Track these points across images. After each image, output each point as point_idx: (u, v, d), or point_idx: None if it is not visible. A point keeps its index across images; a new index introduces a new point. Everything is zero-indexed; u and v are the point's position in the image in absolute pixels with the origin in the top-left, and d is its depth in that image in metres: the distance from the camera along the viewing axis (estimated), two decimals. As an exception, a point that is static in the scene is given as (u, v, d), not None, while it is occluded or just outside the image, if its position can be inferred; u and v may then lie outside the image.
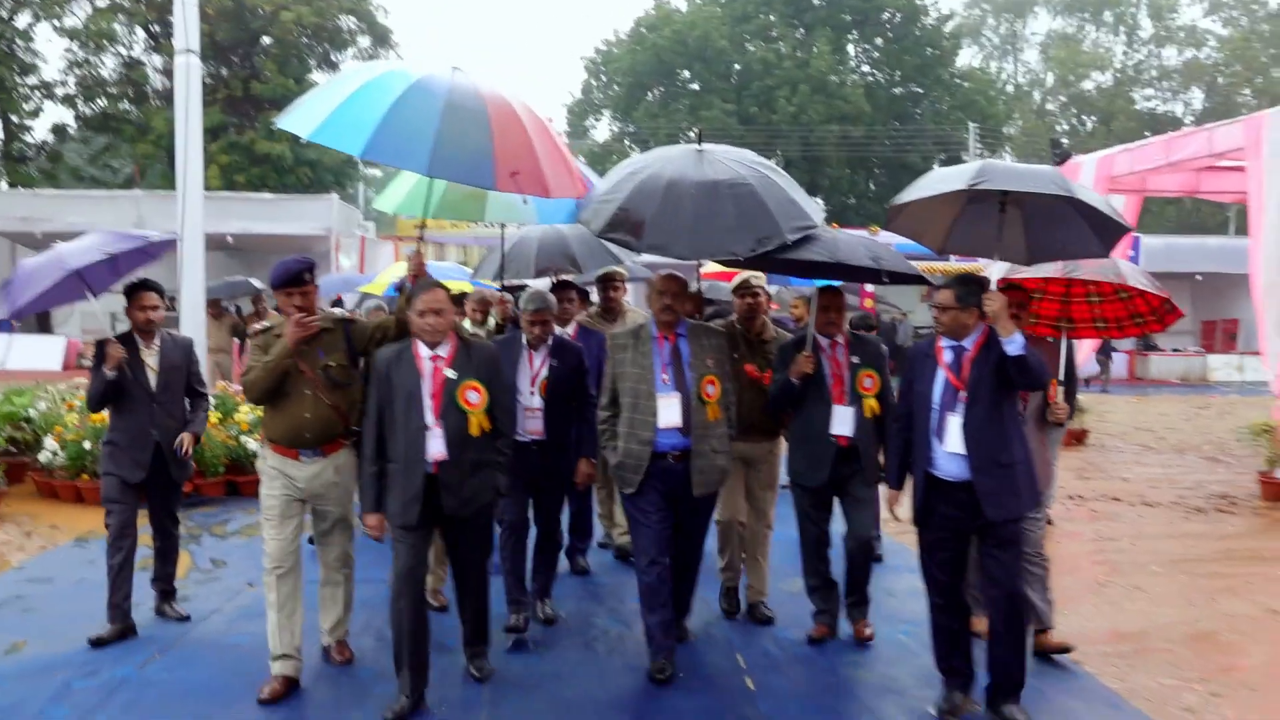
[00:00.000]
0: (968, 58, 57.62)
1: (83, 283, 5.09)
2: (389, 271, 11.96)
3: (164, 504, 5.37)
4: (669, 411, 4.61)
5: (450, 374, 4.21)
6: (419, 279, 4.50)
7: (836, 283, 5.27)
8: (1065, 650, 4.97)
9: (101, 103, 33.83)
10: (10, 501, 8.26)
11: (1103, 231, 4.37)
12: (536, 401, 5.12)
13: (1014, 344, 3.96)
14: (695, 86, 45.52)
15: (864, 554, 5.15)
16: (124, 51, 34.14)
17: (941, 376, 4.18)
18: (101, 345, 5.08)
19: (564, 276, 6.82)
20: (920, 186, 4.33)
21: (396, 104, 4.21)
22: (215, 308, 12.35)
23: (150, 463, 5.14)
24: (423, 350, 4.24)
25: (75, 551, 6.87)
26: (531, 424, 5.12)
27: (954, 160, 42.72)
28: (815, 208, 4.85)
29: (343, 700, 4.42)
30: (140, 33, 34.09)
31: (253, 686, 4.37)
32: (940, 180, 4.28)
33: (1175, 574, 6.77)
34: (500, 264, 6.64)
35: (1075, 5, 57.71)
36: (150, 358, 5.20)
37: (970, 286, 4.16)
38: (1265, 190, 9.69)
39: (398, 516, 4.19)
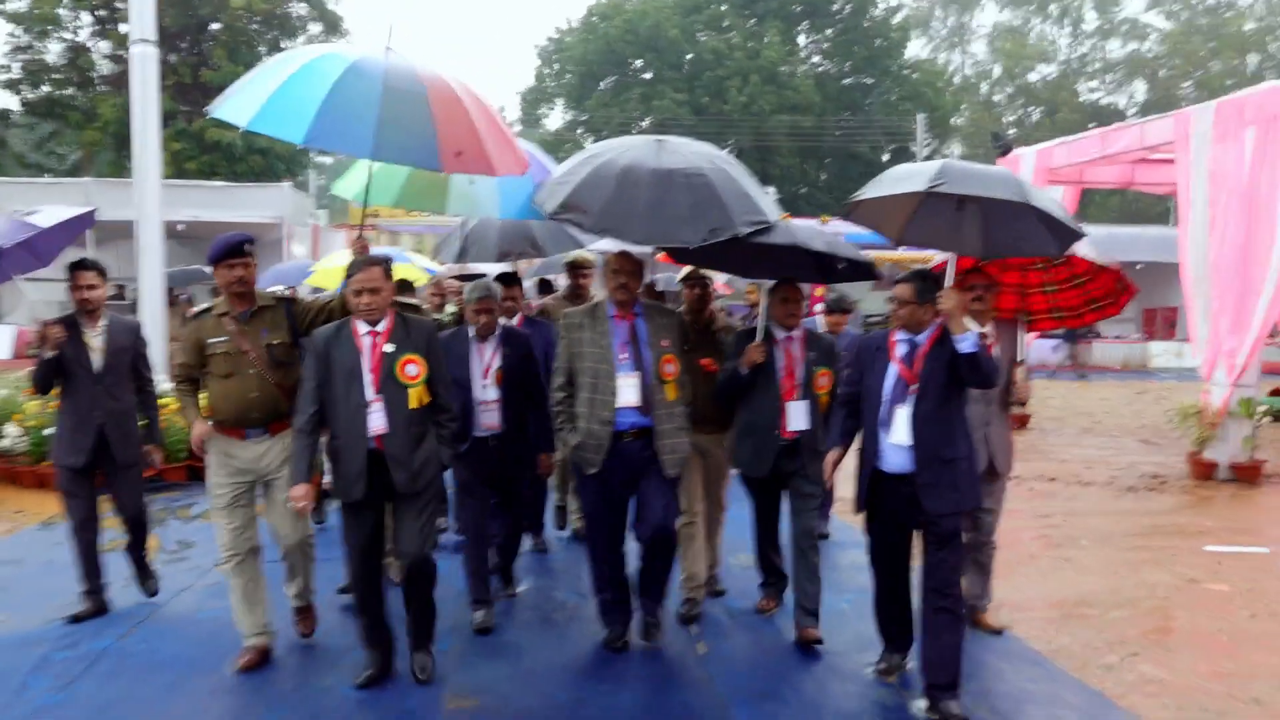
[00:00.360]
0: (916, 49, 58.35)
1: None
2: (336, 260, 11.72)
3: (124, 489, 5.32)
4: (628, 390, 4.63)
5: (388, 348, 4.21)
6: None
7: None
8: (999, 632, 5.17)
9: (46, 88, 33.25)
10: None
11: (1059, 232, 4.41)
12: (492, 393, 5.09)
13: (966, 341, 4.01)
14: (648, 76, 45.68)
15: (810, 549, 5.04)
16: (69, 36, 33.57)
17: (893, 370, 4.23)
18: (44, 326, 5.05)
19: (524, 261, 6.84)
20: (881, 184, 4.39)
21: (335, 88, 4.16)
22: (170, 295, 12.29)
23: (92, 446, 5.11)
24: (361, 327, 4.23)
25: (41, 535, 6.99)
26: (487, 418, 5.09)
27: (902, 150, 43.34)
28: (771, 204, 4.86)
29: (314, 668, 4.63)
30: (86, 17, 33.57)
31: (227, 656, 4.58)
32: (900, 179, 4.33)
33: (1103, 548, 7.15)
34: (460, 247, 6.63)
35: (1022, -2, 58.57)
36: (94, 339, 5.15)
37: (928, 283, 4.22)
38: (1191, 183, 10.13)
39: (344, 494, 4.21)
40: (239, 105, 4.26)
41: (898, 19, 48.46)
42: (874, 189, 4.38)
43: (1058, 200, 4.53)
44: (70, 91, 33.32)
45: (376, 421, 4.16)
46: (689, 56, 44.80)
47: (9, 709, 4.09)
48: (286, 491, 4.44)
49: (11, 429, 8.75)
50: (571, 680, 4.61)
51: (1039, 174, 12.91)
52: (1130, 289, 5.15)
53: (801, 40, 47.59)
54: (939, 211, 4.59)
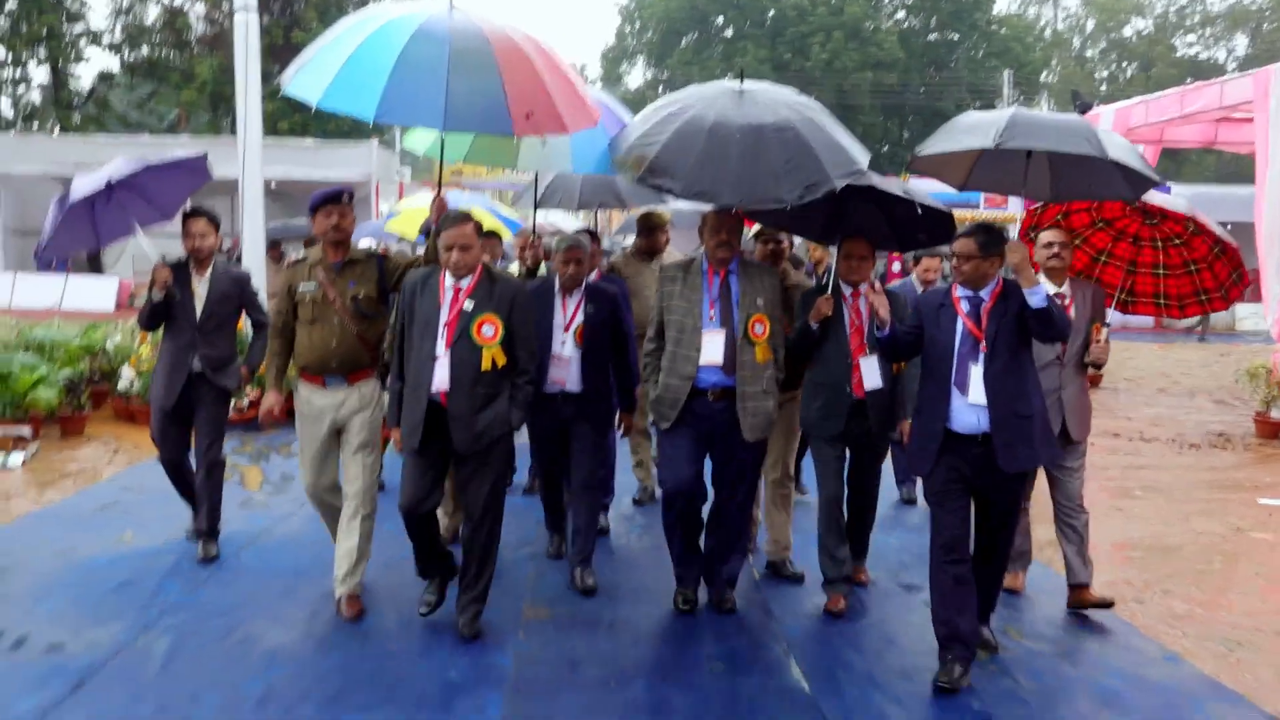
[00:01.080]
0: (1005, 3, 57.22)
1: (90, 216, 5.38)
2: (416, 202, 11.77)
3: (204, 432, 5.42)
4: (712, 347, 4.52)
5: (468, 305, 4.20)
6: (440, 219, 4.38)
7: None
8: (1108, 605, 4.86)
9: (145, 50, 34.42)
10: (94, 424, 9.09)
11: (1133, 180, 4.30)
12: (569, 350, 5.02)
13: (1036, 295, 3.90)
14: (729, 33, 45.58)
15: (861, 514, 5.07)
16: (165, 1, 34.68)
17: (961, 326, 4.08)
18: (155, 269, 5.23)
19: (610, 212, 6.90)
20: (947, 136, 4.34)
21: (402, 58, 4.12)
22: (275, 250, 12.67)
23: (182, 390, 5.27)
24: (448, 279, 4.25)
25: (157, 467, 7.63)
26: (558, 373, 5.02)
27: (989, 108, 42.62)
28: (861, 149, 4.64)
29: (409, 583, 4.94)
30: (182, -20, 34.65)
31: (328, 569, 4.93)
32: (967, 132, 4.27)
33: (1157, 498, 7.39)
34: (542, 195, 6.58)
35: (1118, -51, 56.83)
36: (200, 286, 5.30)
37: (993, 235, 4.09)
38: (1270, 141, 10.13)
39: (404, 440, 4.27)
40: (310, 81, 4.25)
41: (986, -28, 47.50)
42: (939, 143, 4.34)
43: (1134, 150, 4.39)
44: (168, 53, 34.38)
45: (441, 376, 4.18)
46: (771, 13, 44.52)
47: (148, 608, 4.68)
48: (359, 437, 4.63)
49: (127, 371, 9.47)
50: (641, 599, 4.97)
51: (1117, 133, 12.90)
52: (1245, 279, 4.98)
53: (886, -4, 46.94)
54: (1006, 156, 4.44)
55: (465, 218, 4.24)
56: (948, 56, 46.15)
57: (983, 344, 4.02)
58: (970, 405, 4.02)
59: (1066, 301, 4.74)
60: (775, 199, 4.29)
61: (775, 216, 5.01)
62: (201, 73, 31.68)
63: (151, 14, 34.43)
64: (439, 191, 4.65)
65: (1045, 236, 4.87)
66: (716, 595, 4.86)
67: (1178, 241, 5.05)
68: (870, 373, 4.75)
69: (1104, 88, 52.23)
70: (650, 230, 6.48)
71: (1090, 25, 57.53)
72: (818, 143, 4.40)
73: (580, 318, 5.07)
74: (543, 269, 5.98)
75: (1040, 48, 49.59)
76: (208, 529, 5.42)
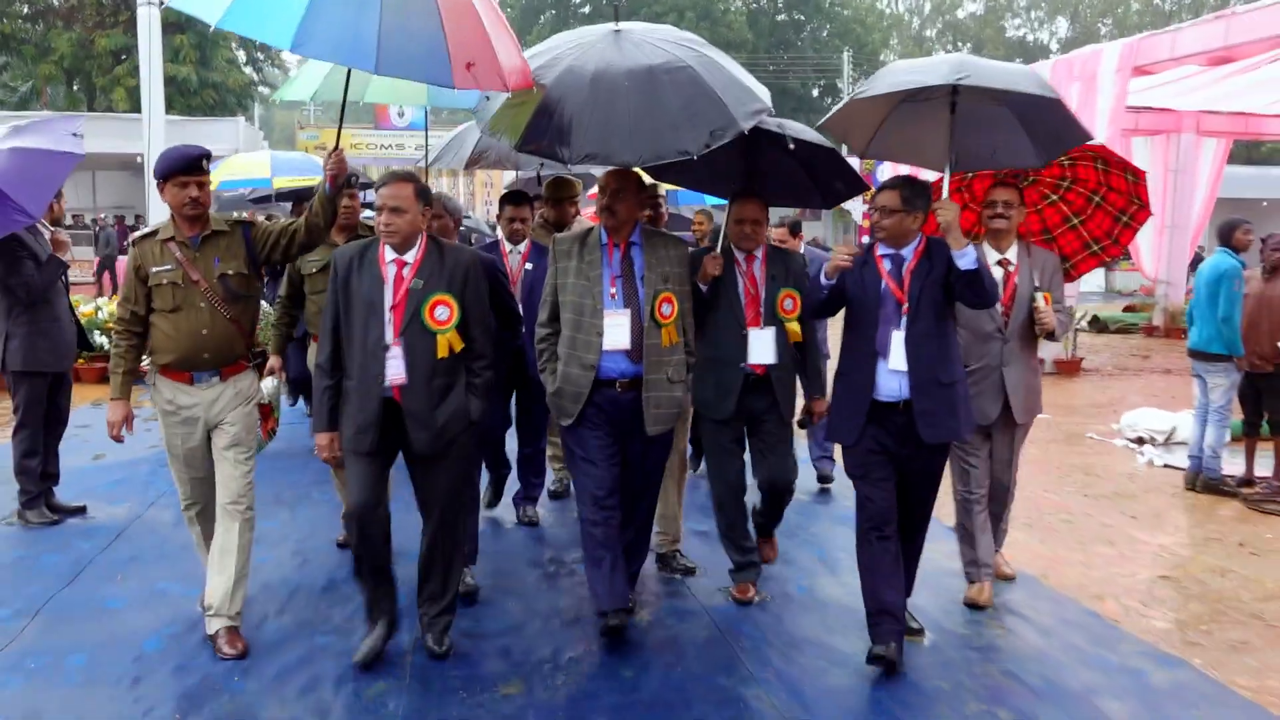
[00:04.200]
0: (850, -16, 60.24)
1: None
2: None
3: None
4: (617, 332, 3.98)
5: (416, 284, 3.71)
6: (337, 181, 3.93)
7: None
8: (1010, 578, 4.91)
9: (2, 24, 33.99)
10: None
11: (1047, 141, 4.05)
12: None
13: (966, 257, 3.67)
14: (586, 10, 47.11)
15: (779, 497, 4.69)
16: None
17: (884, 287, 3.86)
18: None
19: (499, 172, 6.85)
20: (889, 77, 3.90)
21: None
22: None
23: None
24: (387, 254, 3.73)
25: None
26: None
27: (831, 87, 45.40)
28: (759, 86, 4.16)
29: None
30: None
31: None
32: (909, 73, 3.82)
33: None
34: (426, 159, 6.43)
35: (952, -65, 60.38)
36: None
37: (917, 187, 3.86)
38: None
39: (351, 442, 3.74)
40: None
41: (830, -44, 50.21)
42: (880, 84, 3.87)
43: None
44: (21, 25, 33.99)
45: (395, 369, 3.67)
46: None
47: (148, 490, 6.19)
48: (231, 432, 4.00)
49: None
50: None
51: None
52: (1140, 172, 4.65)
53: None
54: (909, 120, 4.13)
55: (406, 177, 3.76)
56: (794, 37, 48.70)
57: (905, 306, 3.81)
58: (891, 371, 3.82)
59: (1012, 268, 4.45)
60: (679, 151, 3.73)
61: (681, 175, 4.57)
62: (60, 46, 31.57)
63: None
64: (337, 145, 3.97)
65: (993, 194, 4.48)
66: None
67: (1067, 182, 4.78)
68: (762, 346, 4.41)
69: (941, 66, 55.68)
70: (558, 201, 5.67)
71: (927, 7, 61.07)
72: (716, 82, 3.90)
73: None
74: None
75: (879, 29, 52.58)
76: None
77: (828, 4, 49.05)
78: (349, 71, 4.12)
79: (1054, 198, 4.84)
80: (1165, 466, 7.73)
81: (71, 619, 4.32)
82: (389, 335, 3.69)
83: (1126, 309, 19.67)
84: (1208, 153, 16.12)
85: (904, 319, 3.82)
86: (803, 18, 48.76)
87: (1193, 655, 4.12)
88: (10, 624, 4.26)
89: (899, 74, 3.88)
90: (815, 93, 47.45)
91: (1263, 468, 7.12)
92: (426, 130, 6.58)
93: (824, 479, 6.66)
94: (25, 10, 34.49)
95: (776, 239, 5.92)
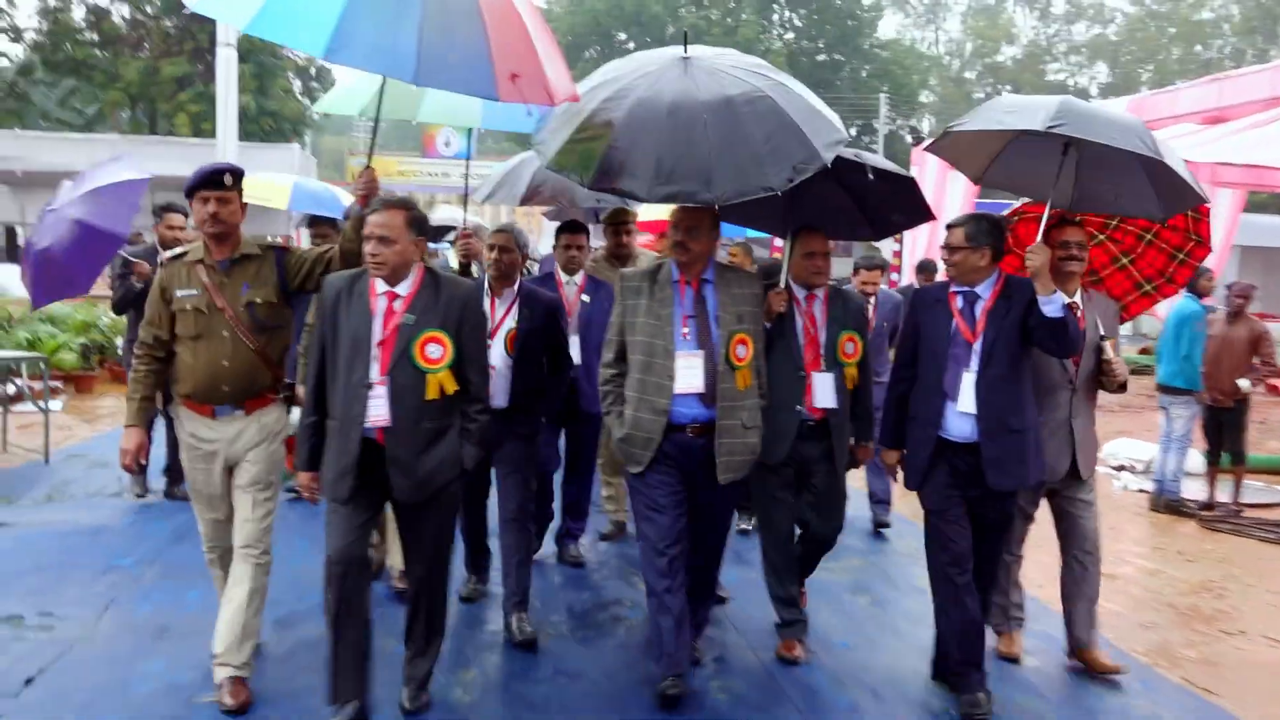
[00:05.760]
0: (894, 23, 61.31)
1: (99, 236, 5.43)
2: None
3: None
4: (689, 374, 3.77)
5: (407, 319, 3.45)
6: (369, 199, 3.69)
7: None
8: (1117, 672, 4.34)
9: (69, 49, 35.64)
10: (98, 385, 11.43)
11: (1170, 196, 3.88)
12: (496, 358, 4.32)
13: (1053, 305, 3.58)
14: (630, 47, 48.39)
15: (820, 549, 4.51)
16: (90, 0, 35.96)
17: (955, 327, 3.81)
18: (128, 261, 6.03)
19: (548, 208, 6.62)
20: (983, 117, 3.87)
21: None
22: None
23: None
24: (379, 285, 3.47)
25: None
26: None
27: (868, 127, 46.31)
28: (833, 113, 3.92)
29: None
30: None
31: None
32: (1008, 113, 3.79)
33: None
34: (465, 181, 5.99)
35: (994, -21, 61.30)
36: None
37: (983, 224, 3.80)
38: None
39: (330, 488, 3.49)
40: (235, 1, 3.42)
41: (870, -1, 51.30)
42: (977, 120, 3.87)
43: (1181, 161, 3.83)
44: (93, 52, 35.63)
45: (378, 410, 3.41)
46: (670, 30, 47.46)
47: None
48: (252, 470, 3.78)
49: (121, 341, 11.81)
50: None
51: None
52: (1203, 207, 4.23)
53: (776, 17, 50.33)
54: (1031, 153, 4.03)
55: (397, 204, 3.50)
56: (833, 77, 49.65)
57: (976, 347, 3.74)
58: (960, 413, 3.77)
59: (1079, 313, 4.03)
60: (762, 187, 3.55)
61: (735, 209, 4.16)
62: (128, 74, 33.15)
63: (78, 14, 35.55)
64: (368, 164, 3.84)
65: (1066, 234, 4.10)
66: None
67: (1114, 222, 4.54)
68: (824, 390, 4.21)
69: (979, 108, 56.52)
70: (616, 229, 5.77)
71: (969, 49, 61.81)
72: (796, 111, 3.68)
73: (511, 322, 4.47)
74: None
75: (918, 71, 53.45)
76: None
77: (867, 45, 50.00)
78: (383, 82, 4.07)
79: (1101, 237, 4.56)
80: (1140, 491, 8.49)
81: (185, 568, 5.11)
82: (374, 373, 3.43)
83: (1142, 351, 20.35)
84: (1223, 203, 16.69)
85: (975, 360, 3.76)
86: (842, 58, 49.74)
87: (1105, 631, 4.80)
88: (134, 569, 5.25)
89: (999, 112, 3.87)
90: (854, 132, 48.33)
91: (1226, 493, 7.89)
92: (469, 159, 6.08)
93: (880, 524, 6.62)
94: (95, 38, 36.20)
95: (862, 281, 6.27)
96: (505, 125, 5.18)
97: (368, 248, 3.39)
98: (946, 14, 64.42)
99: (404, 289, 3.48)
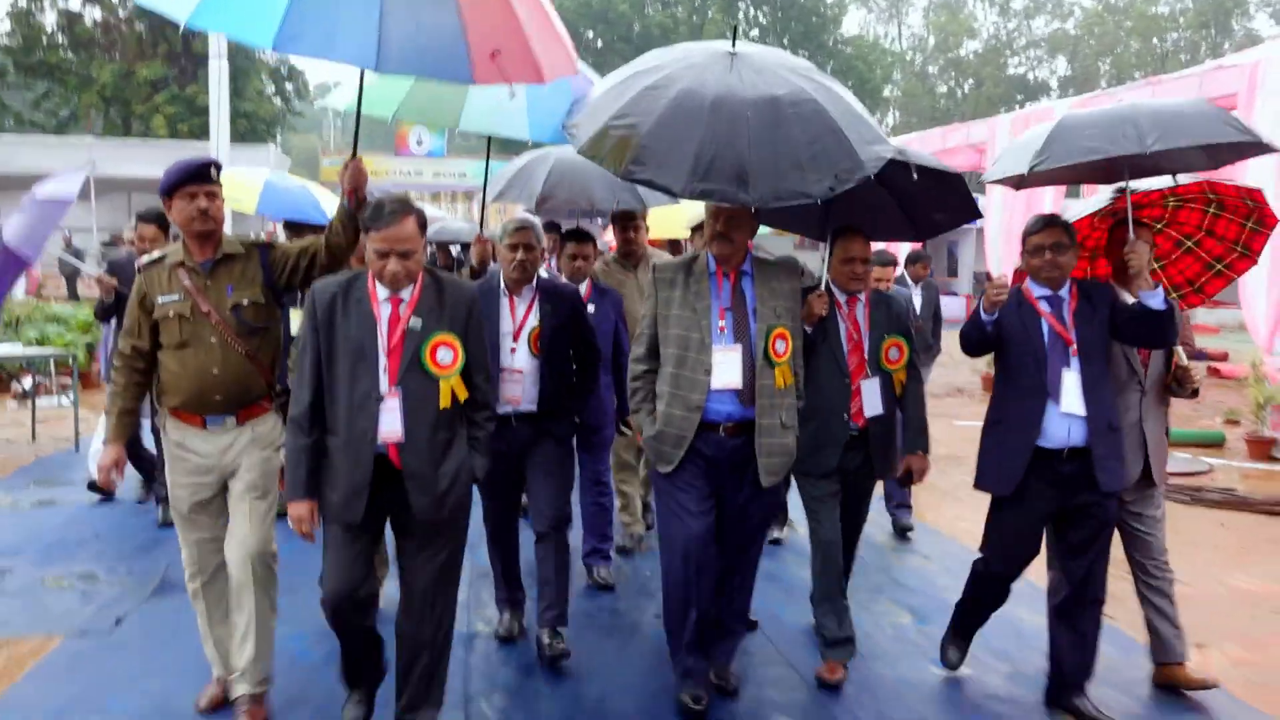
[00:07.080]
0: (856, 20, 62.23)
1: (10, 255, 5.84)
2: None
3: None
4: (727, 369, 3.64)
5: (414, 324, 3.24)
6: (357, 195, 3.56)
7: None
8: (1208, 686, 4.07)
9: (41, 54, 35.80)
10: (101, 382, 12.01)
11: (1221, 147, 3.63)
12: (521, 360, 4.16)
13: (1157, 298, 3.52)
14: (599, 45, 49.04)
15: (852, 548, 4.40)
16: (62, 5, 36.12)
17: (1047, 328, 3.71)
18: (101, 277, 6.09)
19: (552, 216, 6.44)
20: (1071, 141, 3.65)
21: None
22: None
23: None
24: (379, 290, 3.24)
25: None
26: (510, 390, 4.15)
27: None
28: (871, 118, 3.75)
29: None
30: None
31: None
32: (1096, 134, 3.59)
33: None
34: (484, 182, 5.55)
35: (957, -27, 62.29)
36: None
37: (1070, 227, 3.77)
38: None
39: (337, 512, 3.23)
40: None
41: (833, -4, 52.16)
42: (1061, 148, 3.65)
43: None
44: (66, 55, 35.82)
45: (389, 424, 3.19)
46: (637, 29, 48.15)
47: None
48: (248, 477, 3.56)
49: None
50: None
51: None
52: (1258, 194, 4.08)
53: (742, 15, 51.11)
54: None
55: (405, 209, 3.19)
56: (799, 72, 50.51)
57: (1073, 348, 3.68)
58: (1062, 415, 3.66)
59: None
60: (801, 194, 3.40)
61: (770, 210, 4.03)
62: (103, 77, 33.48)
63: (50, 20, 35.70)
64: (355, 156, 3.64)
65: (1133, 232, 3.81)
66: (718, 674, 4.01)
67: (1174, 204, 4.26)
68: (871, 397, 4.09)
69: (942, 102, 57.65)
70: (624, 227, 5.65)
71: (931, 43, 62.78)
72: (841, 117, 3.51)
73: (534, 320, 4.23)
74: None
75: (881, 66, 54.39)
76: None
77: (831, 42, 50.87)
78: (362, 73, 3.70)
79: (1160, 226, 4.32)
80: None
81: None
82: (383, 384, 3.19)
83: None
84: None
85: (1075, 360, 3.67)
86: (806, 54, 50.59)
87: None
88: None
89: (1082, 138, 3.62)
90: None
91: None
92: (488, 159, 5.48)
93: (903, 529, 6.38)
94: (66, 41, 36.39)
95: (875, 279, 5.24)
96: (547, 137, 4.73)
97: (389, 265, 3.15)
98: (909, 9, 65.41)
99: (407, 293, 3.26)
